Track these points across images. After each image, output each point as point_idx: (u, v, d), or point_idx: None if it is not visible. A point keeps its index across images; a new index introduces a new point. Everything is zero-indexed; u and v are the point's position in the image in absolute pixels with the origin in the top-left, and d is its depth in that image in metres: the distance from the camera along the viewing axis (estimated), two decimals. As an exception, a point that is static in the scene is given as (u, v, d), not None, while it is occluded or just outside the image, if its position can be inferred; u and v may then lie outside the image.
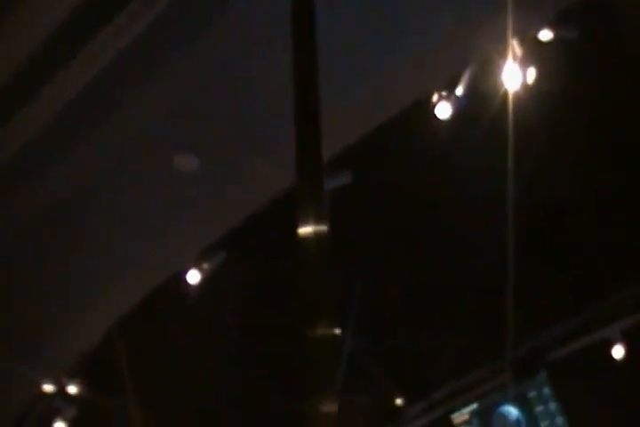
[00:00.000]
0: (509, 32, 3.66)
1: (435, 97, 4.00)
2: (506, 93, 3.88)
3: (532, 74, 3.86)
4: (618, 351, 5.79)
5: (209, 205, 4.19)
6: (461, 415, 6.16)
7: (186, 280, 4.81)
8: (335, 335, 2.02)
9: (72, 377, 5.45)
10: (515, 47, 3.76)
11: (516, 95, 3.88)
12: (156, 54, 3.66)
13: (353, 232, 5.07)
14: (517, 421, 5.94)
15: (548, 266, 5.57)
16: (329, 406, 1.91)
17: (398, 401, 6.78)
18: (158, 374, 5.60)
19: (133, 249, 4.40)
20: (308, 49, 2.44)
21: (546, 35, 3.95)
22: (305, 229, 2.12)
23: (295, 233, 2.21)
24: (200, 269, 4.78)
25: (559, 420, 5.80)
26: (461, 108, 4.00)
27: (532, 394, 5.84)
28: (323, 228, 2.12)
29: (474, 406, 6.10)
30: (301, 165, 2.24)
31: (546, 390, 5.80)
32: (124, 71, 3.66)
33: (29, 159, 3.81)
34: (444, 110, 4.00)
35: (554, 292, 5.73)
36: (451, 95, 3.97)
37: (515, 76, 3.79)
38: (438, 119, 4.04)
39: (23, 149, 3.70)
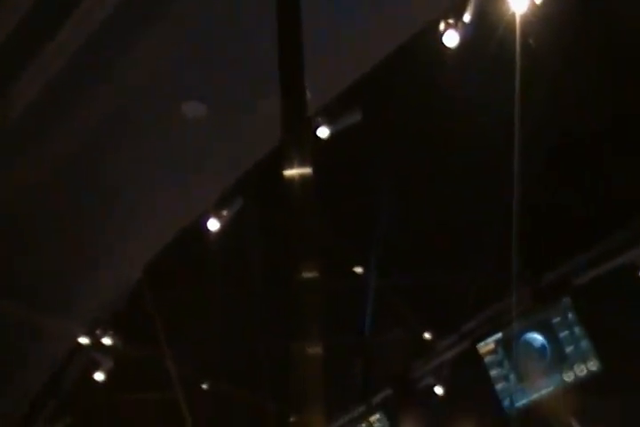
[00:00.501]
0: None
1: (442, 25, 3.91)
2: (514, 16, 3.79)
3: (539, -6, 3.74)
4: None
5: (223, 149, 4.20)
6: (487, 345, 6.26)
7: (207, 227, 4.87)
8: (317, 278, 2.05)
9: (106, 329, 5.61)
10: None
11: (525, 17, 3.79)
12: (158, 4, 3.61)
13: (369, 171, 5.06)
14: (542, 347, 6.02)
15: (571, 193, 5.55)
16: (314, 349, 1.96)
17: (427, 335, 6.91)
18: (185, 321, 5.73)
19: (152, 198, 4.44)
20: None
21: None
22: (289, 172, 2.15)
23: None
24: (219, 217, 4.83)
25: (584, 344, 5.87)
26: (469, 34, 3.91)
27: (557, 320, 5.90)
28: (307, 170, 2.15)
29: (498, 335, 6.19)
30: (285, 109, 2.27)
31: (570, 316, 5.86)
32: (128, 22, 3.61)
33: (45, 112, 3.82)
34: (451, 38, 3.92)
35: (577, 218, 5.72)
36: (458, 22, 3.88)
37: (522, -3, 3.69)
38: (447, 48, 3.96)
39: (40, 97, 3.69)
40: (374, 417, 6.96)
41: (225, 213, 4.81)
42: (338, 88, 3.96)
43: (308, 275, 2.11)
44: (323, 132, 4.39)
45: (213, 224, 4.87)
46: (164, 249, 4.93)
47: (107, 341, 5.60)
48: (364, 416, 7.02)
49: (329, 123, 4.35)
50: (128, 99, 3.87)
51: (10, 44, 3.48)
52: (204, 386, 6.66)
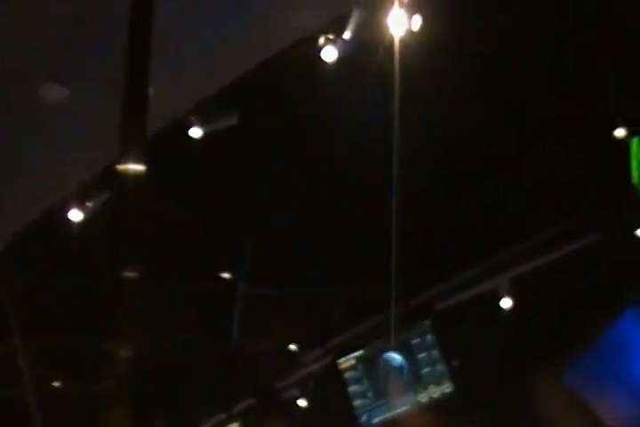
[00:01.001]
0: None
1: (321, 40, 3.94)
2: (392, 40, 3.86)
3: (417, 21, 3.83)
4: (504, 303, 6.05)
5: (89, 135, 4.04)
6: (348, 361, 6.32)
7: (67, 217, 4.70)
8: (138, 279, 2.05)
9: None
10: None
11: (402, 41, 3.86)
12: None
13: (247, 174, 5.02)
14: (401, 367, 6.15)
15: (441, 217, 5.68)
16: (125, 351, 1.97)
17: (293, 347, 6.93)
18: (39, 314, 5.49)
19: (6, 183, 4.23)
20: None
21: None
22: (122, 167, 2.14)
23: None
24: (82, 207, 4.67)
25: (440, 367, 6.02)
26: (348, 52, 3.96)
27: (416, 341, 6.04)
28: (140, 167, 2.15)
29: (360, 352, 6.27)
30: (125, 105, 2.25)
31: (429, 338, 6.00)
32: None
33: None
34: (329, 53, 3.96)
35: (445, 243, 5.87)
36: (337, 39, 3.92)
37: (400, 22, 3.75)
38: (325, 62, 4.00)
39: None
40: (232, 426, 6.89)
41: (89, 204, 4.65)
42: (210, 89, 3.91)
43: (128, 274, 2.08)
44: (195, 132, 4.33)
45: (76, 215, 4.69)
46: (20, 236, 4.70)
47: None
48: (223, 424, 6.94)
49: (202, 123, 4.30)
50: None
51: None
52: (56, 384, 6.39)
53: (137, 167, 2.17)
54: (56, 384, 6.32)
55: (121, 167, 2.16)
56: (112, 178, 4.48)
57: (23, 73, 3.72)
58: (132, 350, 2.04)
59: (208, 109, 4.23)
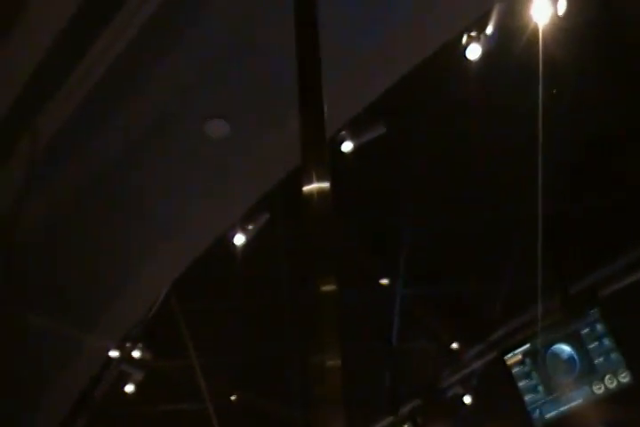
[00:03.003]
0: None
1: (464, 39, 3.92)
2: (536, 28, 3.79)
3: (562, 6, 3.74)
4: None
5: (248, 166, 4.24)
6: (514, 356, 6.21)
7: (233, 242, 4.92)
8: (335, 291, 2.05)
9: (136, 343, 5.68)
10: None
11: (547, 29, 3.79)
12: (176, 27, 3.66)
13: (396, 182, 5.07)
14: (571, 359, 5.96)
15: (600, 204, 5.49)
16: (333, 361, 1.93)
17: (454, 345, 6.89)
18: (213, 333, 5.78)
19: (180, 214, 4.50)
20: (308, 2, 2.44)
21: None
22: (308, 187, 2.15)
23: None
24: (245, 231, 4.88)
25: (614, 356, 5.78)
26: (492, 47, 3.92)
27: (585, 331, 5.84)
28: (325, 185, 2.14)
29: (526, 346, 6.14)
30: (304, 125, 2.27)
31: (599, 327, 5.79)
32: (150, 45, 3.68)
33: (74, 132, 3.89)
34: (474, 51, 3.93)
35: (604, 228, 5.67)
36: (480, 35, 3.89)
37: (545, 8, 3.69)
38: (470, 61, 3.98)
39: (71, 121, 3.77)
40: (403, 428, 6.95)
41: (251, 227, 4.86)
42: (362, 103, 3.98)
43: (326, 288, 2.10)
44: (346, 146, 4.41)
45: (239, 238, 4.92)
46: (193, 263, 4.98)
47: (136, 353, 5.66)
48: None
49: (352, 137, 4.37)
50: (153, 118, 3.93)
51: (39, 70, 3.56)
52: (233, 398, 6.69)
53: (323, 185, 2.17)
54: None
55: (307, 187, 2.16)
56: (270, 201, 4.66)
57: (185, 112, 3.97)
58: (341, 361, 2.01)
59: (357, 122, 4.30)
